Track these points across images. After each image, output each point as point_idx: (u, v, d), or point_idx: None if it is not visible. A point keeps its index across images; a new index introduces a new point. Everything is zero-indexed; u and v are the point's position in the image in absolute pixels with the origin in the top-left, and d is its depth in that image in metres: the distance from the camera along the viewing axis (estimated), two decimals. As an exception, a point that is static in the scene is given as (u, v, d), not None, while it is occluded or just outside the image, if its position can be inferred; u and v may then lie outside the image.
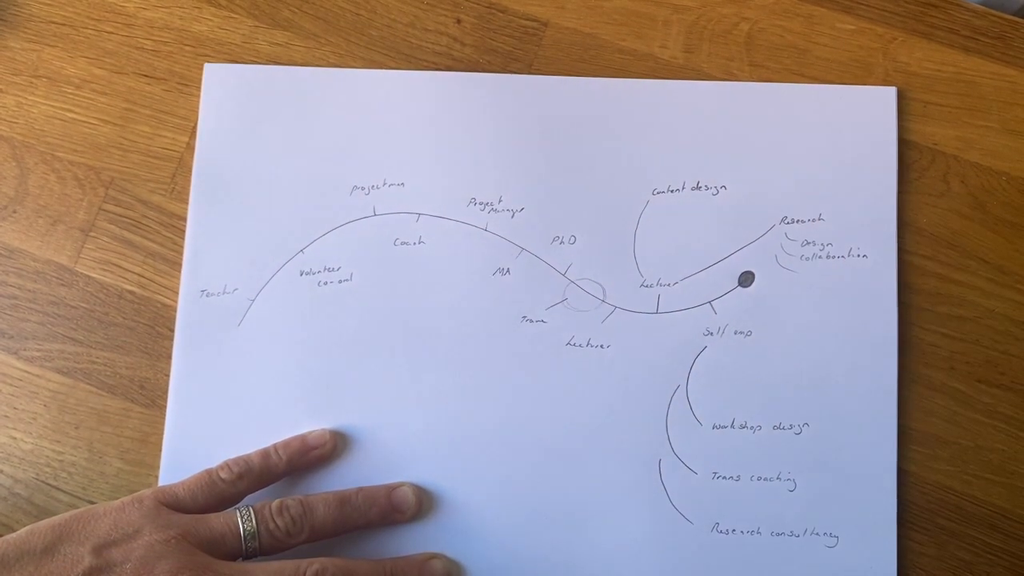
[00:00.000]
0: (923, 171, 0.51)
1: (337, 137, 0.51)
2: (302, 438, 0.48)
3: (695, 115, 0.51)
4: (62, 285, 0.51)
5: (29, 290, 0.51)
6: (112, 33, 0.53)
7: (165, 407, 0.49)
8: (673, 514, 0.48)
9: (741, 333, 0.49)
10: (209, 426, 0.49)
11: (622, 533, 0.48)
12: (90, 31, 0.53)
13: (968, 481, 0.48)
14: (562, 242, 0.50)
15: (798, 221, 0.50)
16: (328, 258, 0.50)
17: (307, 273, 0.50)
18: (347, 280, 0.50)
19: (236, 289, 0.50)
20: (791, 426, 0.48)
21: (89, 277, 0.51)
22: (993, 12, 0.52)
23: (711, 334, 0.49)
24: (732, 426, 0.48)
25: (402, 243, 0.50)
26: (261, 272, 0.50)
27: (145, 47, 0.53)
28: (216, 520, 0.44)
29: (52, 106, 0.52)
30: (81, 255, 0.51)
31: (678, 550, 0.47)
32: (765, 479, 0.48)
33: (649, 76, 0.52)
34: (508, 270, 0.50)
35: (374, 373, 0.49)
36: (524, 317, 0.49)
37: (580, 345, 0.49)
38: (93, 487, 0.49)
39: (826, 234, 0.49)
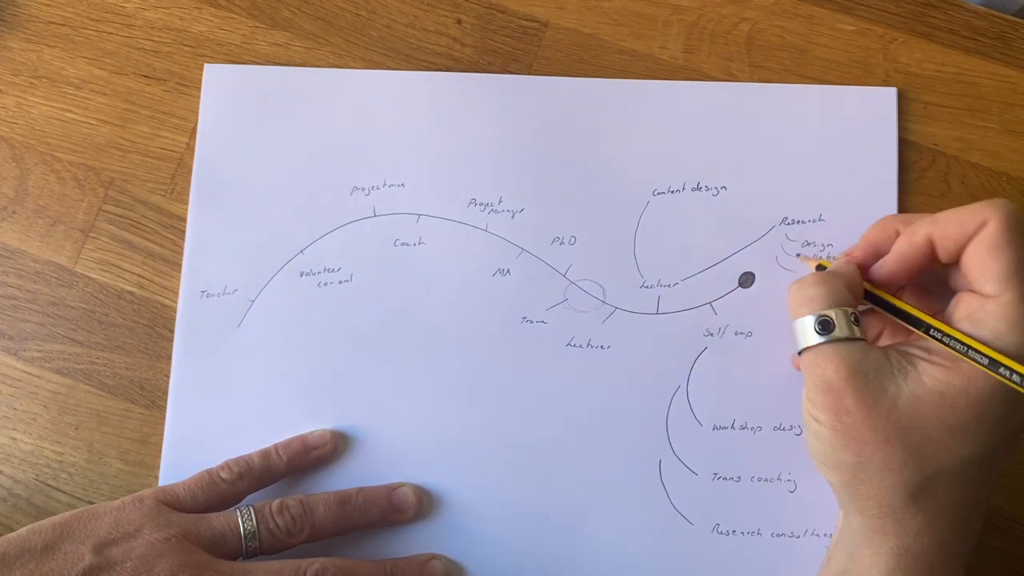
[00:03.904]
0: (923, 172, 0.51)
1: (337, 137, 0.51)
2: (302, 438, 0.48)
3: (695, 115, 0.51)
4: (62, 286, 0.51)
5: (29, 290, 0.51)
6: (112, 33, 0.53)
7: (165, 408, 0.49)
8: (673, 515, 0.48)
9: (741, 334, 0.49)
10: (209, 426, 0.49)
11: (622, 534, 0.48)
12: (90, 31, 0.53)
13: (968, 481, 0.48)
14: (562, 242, 0.50)
15: (798, 222, 0.50)
16: (328, 259, 0.50)
17: (307, 274, 0.50)
18: (347, 281, 0.50)
19: (236, 290, 0.50)
20: (791, 427, 0.48)
21: (89, 278, 0.51)
22: (993, 12, 0.52)
23: (711, 335, 0.49)
24: (732, 427, 0.48)
25: (402, 244, 0.50)
26: (261, 273, 0.50)
27: (145, 47, 0.53)
28: (216, 519, 0.44)
29: (52, 106, 0.52)
30: (81, 255, 0.51)
31: (678, 551, 0.47)
32: (765, 480, 0.48)
33: (649, 76, 0.52)
34: (508, 271, 0.50)
35: (374, 373, 0.49)
36: (524, 318, 0.49)
37: (580, 346, 0.49)
38: (93, 488, 0.49)
39: (826, 235, 0.49)
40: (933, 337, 0.40)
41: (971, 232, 0.40)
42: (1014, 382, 0.38)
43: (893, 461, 0.39)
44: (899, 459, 0.39)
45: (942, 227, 0.41)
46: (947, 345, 0.39)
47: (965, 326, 0.40)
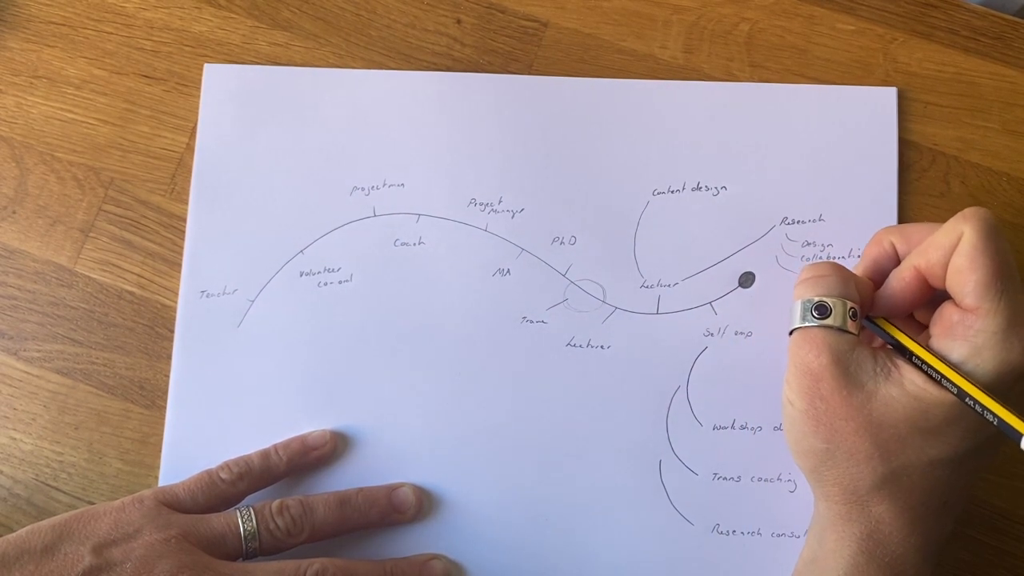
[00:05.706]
0: (923, 171, 0.51)
1: (337, 137, 0.51)
2: (302, 439, 0.48)
3: (695, 115, 0.51)
4: (62, 285, 0.51)
5: (29, 290, 0.51)
6: (112, 33, 0.53)
7: (165, 408, 0.49)
8: (673, 515, 0.48)
9: (741, 334, 0.49)
10: (209, 426, 0.49)
11: (622, 534, 0.47)
12: (90, 31, 0.53)
13: (968, 481, 0.48)
14: (562, 242, 0.50)
15: (798, 221, 0.50)
16: (328, 259, 0.50)
17: (307, 274, 0.50)
18: (347, 281, 0.50)
19: (236, 290, 0.50)
20: (791, 426, 0.48)
21: (89, 278, 0.51)
22: (993, 12, 0.52)
23: (711, 335, 0.49)
24: (732, 427, 0.48)
25: (402, 244, 0.50)
26: (261, 273, 0.50)
27: (145, 47, 0.53)
28: (216, 520, 0.43)
29: (51, 106, 0.52)
30: (81, 255, 0.51)
31: (678, 551, 0.47)
32: (766, 480, 0.48)
33: (649, 76, 0.52)
34: (508, 271, 0.50)
35: (374, 374, 0.49)
36: (524, 318, 0.49)
37: (580, 346, 0.49)
38: (93, 488, 0.49)
39: (826, 234, 0.49)
40: (914, 364, 0.40)
41: (952, 250, 0.40)
42: (977, 411, 0.38)
43: (860, 452, 0.40)
44: (866, 450, 0.40)
45: (925, 257, 0.41)
46: (923, 371, 0.40)
47: (943, 342, 0.40)
